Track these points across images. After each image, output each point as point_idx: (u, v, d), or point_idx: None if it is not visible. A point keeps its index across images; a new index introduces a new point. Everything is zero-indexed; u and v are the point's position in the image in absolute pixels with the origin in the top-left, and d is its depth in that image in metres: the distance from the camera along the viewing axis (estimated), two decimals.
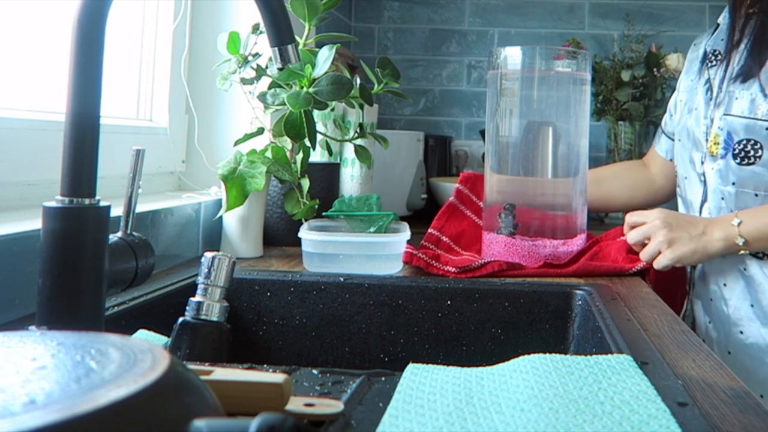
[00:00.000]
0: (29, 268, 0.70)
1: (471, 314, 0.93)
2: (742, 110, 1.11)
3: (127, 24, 1.24)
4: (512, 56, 1.12)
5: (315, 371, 0.55)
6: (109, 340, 0.38)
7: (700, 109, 1.22)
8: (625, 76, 1.98)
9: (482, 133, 2.12)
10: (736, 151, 1.12)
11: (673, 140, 1.37)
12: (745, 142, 1.12)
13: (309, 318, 0.94)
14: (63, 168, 0.55)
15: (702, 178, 1.20)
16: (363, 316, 0.94)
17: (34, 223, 0.73)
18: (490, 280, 0.97)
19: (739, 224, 1.05)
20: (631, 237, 1.10)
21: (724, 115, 1.14)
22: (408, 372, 0.53)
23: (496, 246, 1.12)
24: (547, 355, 0.56)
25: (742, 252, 1.07)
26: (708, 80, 1.21)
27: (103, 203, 0.56)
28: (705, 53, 1.24)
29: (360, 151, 1.23)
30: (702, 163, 1.20)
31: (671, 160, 1.37)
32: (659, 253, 1.07)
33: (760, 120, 1.09)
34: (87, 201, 0.55)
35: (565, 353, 0.68)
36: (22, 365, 0.34)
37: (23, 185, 0.91)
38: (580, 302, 0.91)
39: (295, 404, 0.45)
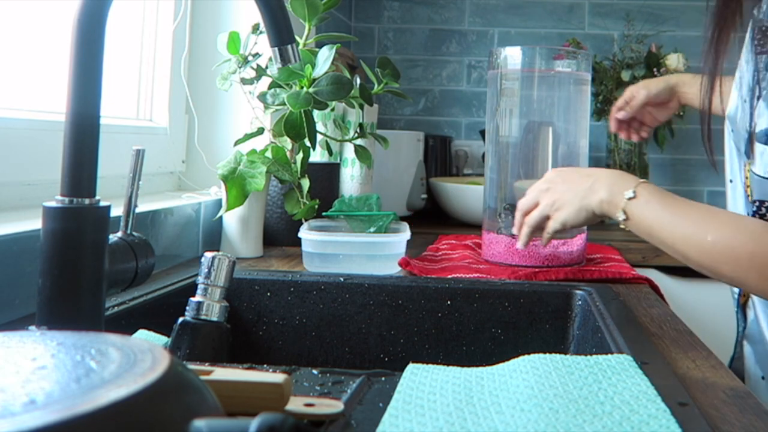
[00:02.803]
0: (29, 268, 0.70)
1: (471, 314, 0.93)
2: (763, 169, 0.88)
3: (127, 24, 1.24)
4: (512, 56, 1.12)
5: (315, 371, 0.55)
6: (109, 340, 0.38)
7: (746, 109, 0.93)
8: (625, 76, 1.98)
9: (482, 133, 2.12)
10: (760, 213, 0.90)
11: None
12: (759, 203, 0.90)
13: (309, 318, 0.94)
14: (63, 168, 0.55)
15: (746, 194, 0.95)
16: (363, 316, 0.94)
17: (34, 223, 0.73)
18: (490, 280, 0.97)
19: (629, 198, 0.86)
20: (520, 208, 0.98)
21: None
22: (408, 372, 0.53)
23: (496, 246, 1.12)
24: (547, 355, 0.56)
25: (621, 226, 0.89)
26: (756, 71, 0.91)
27: (103, 203, 0.56)
28: (753, 23, 0.92)
29: (360, 151, 1.23)
30: (746, 179, 0.95)
31: None
32: (547, 218, 0.95)
33: None
34: (87, 201, 0.55)
35: (565, 353, 0.68)
36: (22, 365, 0.34)
37: (23, 185, 0.91)
38: (580, 302, 0.91)
39: (295, 404, 0.45)
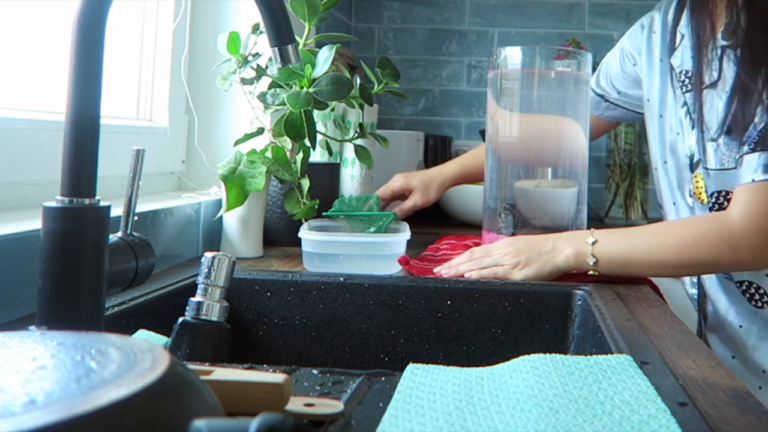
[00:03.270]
0: (29, 268, 0.70)
1: (471, 314, 0.93)
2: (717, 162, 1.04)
3: (127, 24, 1.24)
4: (512, 56, 1.12)
5: (315, 371, 0.55)
6: (109, 340, 0.38)
7: (684, 135, 1.11)
8: None
9: (482, 133, 2.12)
10: (715, 208, 1.07)
11: (600, 97, 1.31)
12: (716, 194, 1.06)
13: (309, 318, 0.94)
14: (63, 168, 0.55)
15: (690, 206, 1.13)
16: (363, 316, 0.94)
17: (34, 223, 0.73)
18: (491, 279, 0.97)
19: (593, 243, 0.96)
20: (479, 274, 1.00)
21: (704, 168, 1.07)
22: (408, 372, 0.53)
23: None
24: (547, 355, 0.56)
25: (591, 272, 0.97)
26: (685, 104, 1.10)
27: (103, 203, 0.56)
28: (671, 69, 1.13)
29: (360, 151, 1.23)
30: (691, 195, 1.12)
31: (597, 115, 1.31)
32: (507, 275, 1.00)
33: (730, 168, 1.02)
34: (87, 201, 0.55)
35: (565, 353, 0.68)
36: (22, 365, 0.34)
37: (23, 185, 0.91)
38: (580, 302, 0.91)
39: (295, 404, 0.45)
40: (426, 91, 2.31)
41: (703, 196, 1.08)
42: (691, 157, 1.10)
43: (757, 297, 1.07)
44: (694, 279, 1.18)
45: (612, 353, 0.61)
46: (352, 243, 1.01)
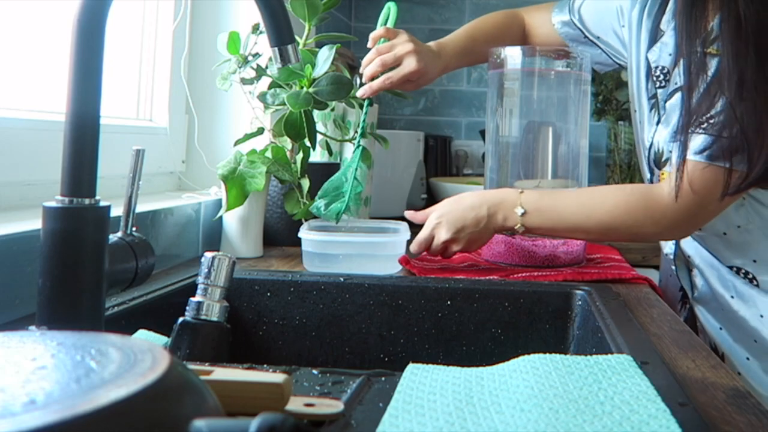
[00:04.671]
0: (29, 268, 0.70)
1: (471, 314, 0.93)
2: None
3: (127, 24, 1.24)
4: (512, 56, 1.12)
5: (315, 371, 0.55)
6: (109, 340, 0.38)
7: (644, 124, 1.12)
8: (625, 76, 1.98)
9: (482, 133, 2.12)
10: None
11: (574, 26, 1.25)
12: None
13: (309, 318, 0.94)
14: (63, 168, 0.55)
15: None
16: (363, 316, 0.94)
17: (34, 223, 0.73)
18: (491, 280, 0.97)
19: (522, 214, 1.01)
20: (415, 247, 1.06)
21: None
22: (408, 372, 0.53)
23: (497, 246, 1.12)
24: (547, 355, 0.56)
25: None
26: (654, 96, 1.10)
27: (103, 203, 0.56)
28: (648, 63, 1.12)
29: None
30: None
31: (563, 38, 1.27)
32: (447, 248, 1.05)
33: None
34: (87, 201, 0.55)
35: (565, 353, 0.68)
36: (22, 365, 0.34)
37: (23, 185, 0.91)
38: (580, 302, 0.91)
39: (295, 404, 0.45)
40: (426, 91, 2.31)
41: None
42: (653, 151, 1.10)
43: (750, 277, 1.08)
44: (672, 246, 1.18)
45: (612, 353, 0.61)
46: (352, 243, 1.01)
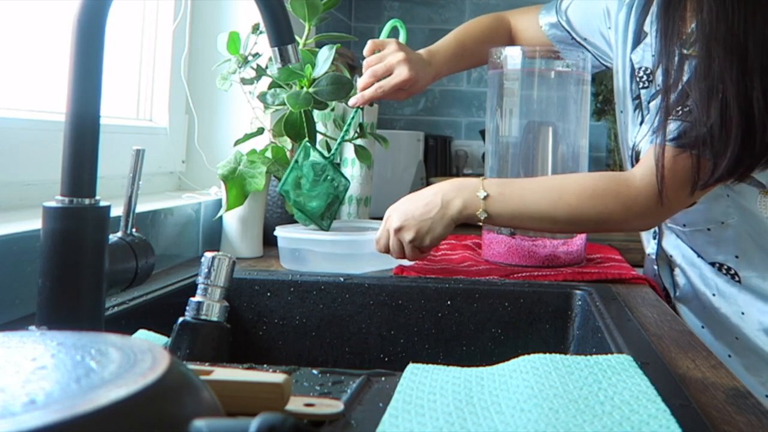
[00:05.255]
0: (29, 268, 0.70)
1: (471, 314, 0.93)
2: None
3: (127, 24, 1.24)
4: (512, 56, 1.12)
5: (315, 371, 0.55)
6: (109, 340, 0.38)
7: (628, 124, 1.12)
8: None
9: (482, 133, 2.12)
10: None
11: (561, 28, 1.25)
12: None
13: (309, 318, 0.94)
14: (63, 168, 0.55)
15: None
16: (363, 316, 0.94)
17: (34, 223, 0.73)
18: (491, 280, 0.97)
19: (484, 198, 0.96)
20: (375, 246, 1.01)
21: None
22: (408, 372, 0.53)
23: (497, 246, 1.12)
24: (547, 355, 0.56)
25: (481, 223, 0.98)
26: (638, 97, 1.11)
27: (103, 203, 0.56)
28: (632, 65, 1.12)
29: (360, 151, 1.23)
30: None
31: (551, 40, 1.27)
32: (414, 249, 0.99)
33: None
34: (87, 201, 0.55)
35: (565, 353, 0.68)
36: (22, 365, 0.34)
37: (23, 185, 0.91)
38: (580, 302, 0.91)
39: (295, 404, 0.45)
40: (426, 91, 2.31)
41: None
42: (635, 151, 1.10)
43: (733, 272, 1.09)
44: (654, 246, 1.18)
45: (612, 353, 0.61)
46: (317, 241, 1.01)
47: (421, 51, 1.19)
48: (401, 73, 1.11)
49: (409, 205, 0.99)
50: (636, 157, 1.09)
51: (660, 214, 0.99)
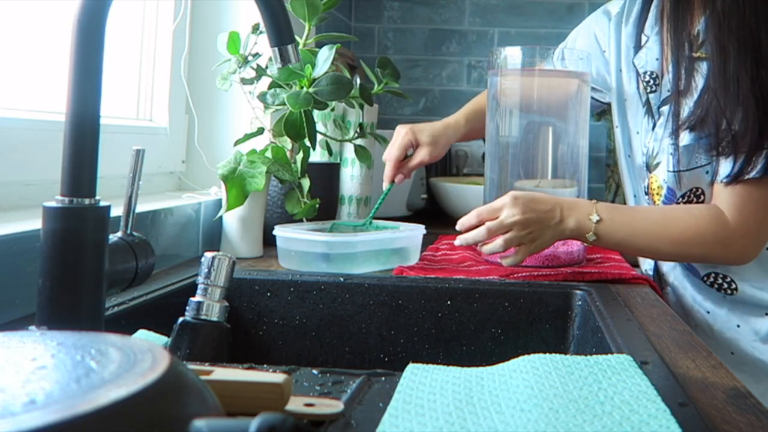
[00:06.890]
0: (29, 268, 0.70)
1: (471, 314, 0.93)
2: (684, 163, 1.06)
3: (127, 24, 1.24)
4: (512, 56, 1.12)
5: (315, 371, 0.55)
6: (109, 340, 0.38)
7: (641, 132, 1.15)
8: None
9: None
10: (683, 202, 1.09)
11: None
12: (688, 193, 1.07)
13: (309, 318, 0.94)
14: (63, 168, 0.55)
15: (651, 201, 1.14)
16: (363, 316, 0.94)
17: (34, 223, 0.73)
18: (491, 279, 0.97)
19: (597, 222, 0.98)
20: (489, 231, 0.99)
21: (668, 171, 1.08)
22: (408, 372, 0.53)
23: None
24: (547, 355, 0.56)
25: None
26: (647, 103, 1.13)
27: (103, 203, 0.56)
28: (635, 69, 1.14)
29: (360, 151, 1.23)
30: (646, 193, 1.15)
31: None
32: (519, 244, 0.99)
33: (700, 166, 1.05)
34: (87, 201, 0.55)
35: (565, 353, 0.68)
36: (22, 365, 0.34)
37: (23, 185, 0.91)
38: (580, 302, 0.91)
39: (295, 404, 0.45)
40: (426, 91, 2.31)
41: (656, 198, 1.12)
42: (648, 156, 1.12)
43: (725, 286, 1.10)
44: (651, 263, 1.21)
45: (612, 353, 0.61)
46: (316, 241, 1.00)
47: (438, 124, 1.26)
48: (422, 156, 1.22)
49: (532, 205, 0.98)
50: (647, 162, 1.10)
51: (758, 247, 1.03)
